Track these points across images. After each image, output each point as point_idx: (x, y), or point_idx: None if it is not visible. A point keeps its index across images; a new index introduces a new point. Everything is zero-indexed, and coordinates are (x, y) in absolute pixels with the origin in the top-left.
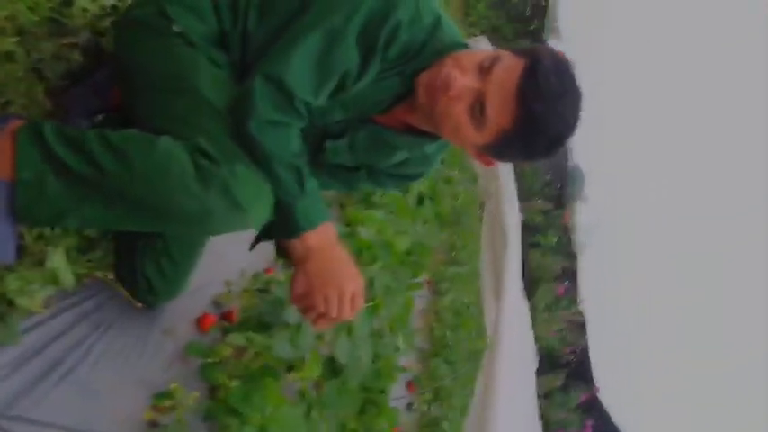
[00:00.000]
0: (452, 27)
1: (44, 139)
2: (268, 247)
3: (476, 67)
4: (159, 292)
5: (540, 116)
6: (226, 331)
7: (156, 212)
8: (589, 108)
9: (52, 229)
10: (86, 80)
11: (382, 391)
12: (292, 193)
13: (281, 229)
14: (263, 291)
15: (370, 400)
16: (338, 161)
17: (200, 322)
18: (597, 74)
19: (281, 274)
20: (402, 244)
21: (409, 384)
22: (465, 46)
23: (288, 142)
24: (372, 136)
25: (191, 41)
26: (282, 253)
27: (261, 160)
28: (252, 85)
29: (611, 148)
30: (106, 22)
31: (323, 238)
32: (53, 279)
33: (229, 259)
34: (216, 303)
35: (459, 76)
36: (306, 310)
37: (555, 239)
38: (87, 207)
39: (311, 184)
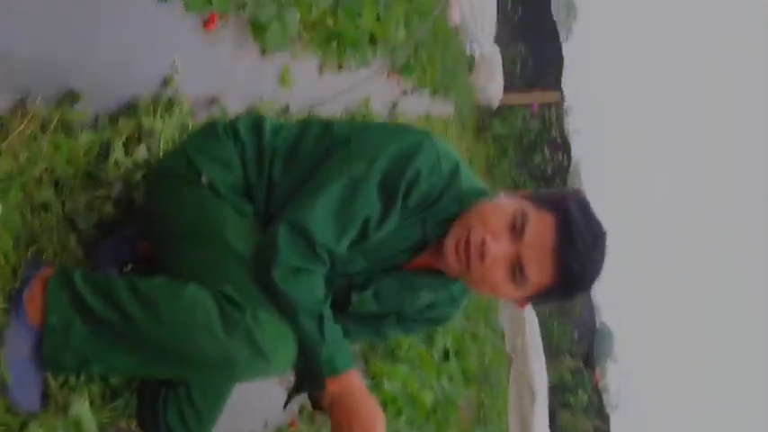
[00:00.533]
0: (469, 174)
1: (74, 285)
2: (294, 400)
3: (506, 229)
4: None
5: (579, 272)
6: None
7: (181, 359)
8: (616, 272)
9: (77, 377)
10: (117, 232)
11: None
12: (315, 341)
13: (308, 378)
14: None
15: None
16: (366, 310)
17: None
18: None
19: (303, 428)
20: (427, 399)
21: None
22: (484, 192)
23: (311, 290)
24: (397, 282)
25: (218, 191)
26: (316, 404)
27: (284, 308)
28: (276, 233)
29: (639, 310)
30: (138, 176)
31: (346, 385)
32: (76, 427)
33: (253, 411)
34: None
35: (493, 243)
36: None
37: (585, 399)
38: (112, 354)
39: (334, 331)
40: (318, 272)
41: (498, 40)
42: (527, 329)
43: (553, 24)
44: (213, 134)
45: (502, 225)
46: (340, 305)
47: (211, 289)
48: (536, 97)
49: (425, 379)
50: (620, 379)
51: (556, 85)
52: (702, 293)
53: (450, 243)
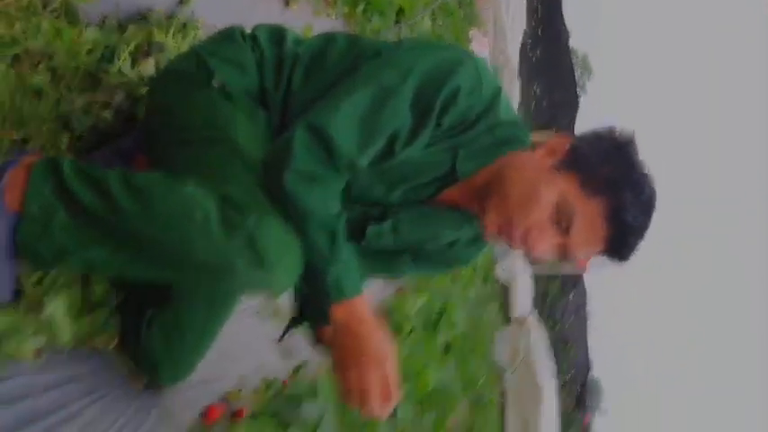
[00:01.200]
0: (509, 104)
1: (60, 173)
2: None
3: (551, 222)
4: (164, 371)
5: (629, 249)
6: (233, 430)
7: (172, 261)
8: (614, 335)
9: (55, 277)
10: (113, 142)
11: None
12: (323, 258)
13: (311, 306)
14: (278, 397)
15: None
16: (381, 245)
17: (205, 414)
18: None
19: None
20: (430, 379)
21: None
22: (520, 127)
23: (325, 200)
24: (418, 216)
25: (229, 95)
26: (318, 338)
27: (294, 217)
28: (292, 135)
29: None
30: (142, 90)
31: (353, 312)
32: (48, 329)
33: (247, 358)
34: (225, 400)
35: (538, 239)
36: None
37: None
38: (95, 248)
39: (346, 251)
40: (335, 182)
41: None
42: (531, 334)
43: (571, 69)
44: (230, 38)
45: (545, 218)
46: (353, 237)
47: (212, 190)
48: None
49: (428, 363)
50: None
51: (569, 128)
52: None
53: (490, 226)
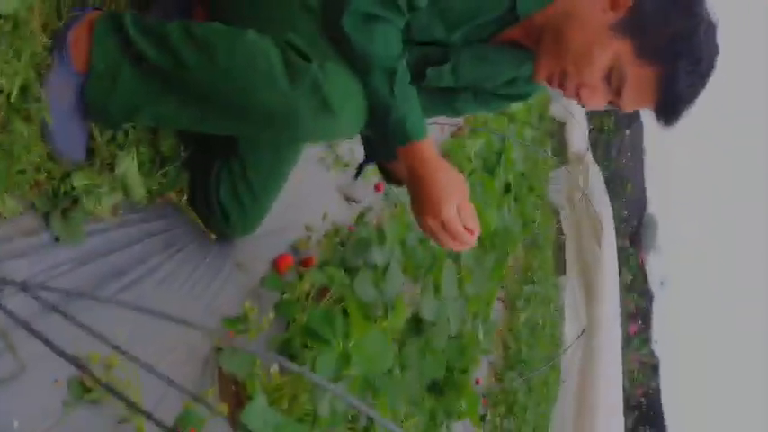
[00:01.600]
0: None
1: (124, 28)
2: (351, 211)
3: (602, 82)
4: (234, 222)
5: (679, 113)
6: (303, 276)
7: (238, 111)
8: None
9: (126, 136)
10: None
11: (464, 371)
12: (385, 100)
13: (378, 147)
14: (344, 244)
15: (451, 380)
16: (441, 85)
17: (276, 263)
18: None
19: (361, 231)
20: (491, 220)
21: (483, 399)
22: None
23: (385, 41)
24: (478, 56)
25: None
26: (390, 177)
27: (354, 60)
28: None
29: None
30: None
31: (416, 155)
32: (123, 186)
33: (312, 211)
34: (294, 249)
35: (588, 97)
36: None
37: (629, 278)
38: (163, 103)
39: (409, 92)
40: (395, 22)
41: None
42: (590, 171)
43: None
44: None
45: (597, 78)
46: (413, 78)
47: (274, 37)
48: None
49: (488, 204)
50: (663, 266)
51: None
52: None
53: (541, 72)
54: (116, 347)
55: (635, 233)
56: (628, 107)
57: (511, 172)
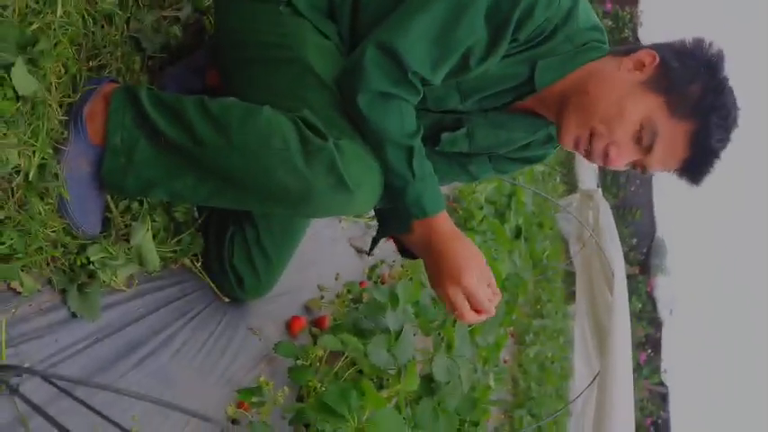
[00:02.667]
0: (587, 10)
1: (139, 102)
2: (362, 263)
3: (632, 140)
4: (248, 286)
5: (704, 176)
6: (316, 337)
7: (253, 188)
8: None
9: (141, 205)
10: (185, 59)
11: (476, 425)
12: (403, 177)
13: (393, 221)
14: (356, 302)
15: None
16: (455, 150)
17: (289, 325)
18: None
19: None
20: (501, 269)
21: None
22: (600, 30)
23: (401, 119)
24: (493, 123)
25: (298, 10)
26: (405, 251)
27: (370, 138)
28: (363, 54)
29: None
30: (209, 1)
31: (435, 228)
32: (138, 257)
33: (324, 266)
34: (307, 309)
35: (617, 156)
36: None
37: (639, 306)
38: (178, 179)
39: (425, 167)
40: (410, 101)
41: None
42: (600, 209)
43: None
44: None
45: (628, 136)
46: (427, 143)
47: (289, 113)
48: None
49: (498, 252)
50: (672, 290)
51: None
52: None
53: (568, 136)
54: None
55: (644, 261)
56: (655, 165)
57: (522, 214)
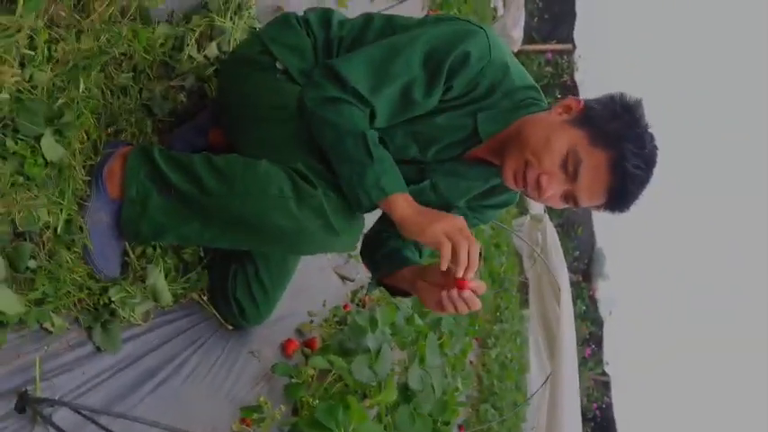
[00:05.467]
0: (521, 72)
1: (153, 159)
2: (345, 288)
3: (559, 169)
4: (249, 315)
5: (627, 201)
6: (308, 357)
7: (252, 230)
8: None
9: (154, 248)
10: (190, 120)
11: (447, 423)
12: (361, 162)
13: (379, 264)
14: (341, 323)
15: (437, 431)
16: (425, 202)
17: (284, 347)
18: None
19: (355, 311)
20: None
21: (460, 428)
22: (535, 89)
23: (351, 117)
24: (450, 173)
25: (292, 77)
26: (395, 291)
27: (325, 135)
28: (312, 74)
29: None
30: (209, 71)
31: (400, 201)
32: (153, 295)
33: (313, 293)
34: (299, 332)
35: (548, 183)
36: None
37: (583, 308)
38: (187, 224)
39: (384, 153)
40: (355, 107)
41: None
42: (547, 231)
43: None
44: (287, 23)
45: (556, 165)
46: None
47: (284, 166)
48: (550, 48)
49: None
50: (611, 293)
51: (568, 38)
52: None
53: (507, 172)
54: None
55: (586, 269)
56: (584, 194)
57: (480, 239)
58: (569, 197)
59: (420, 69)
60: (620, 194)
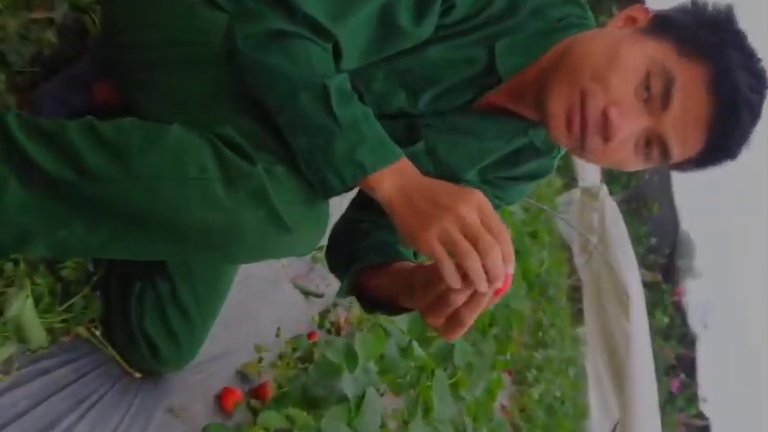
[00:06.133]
0: None
1: (7, 131)
2: (310, 308)
3: (637, 97)
4: (164, 354)
5: (738, 144)
6: (256, 412)
7: (162, 230)
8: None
9: (16, 265)
10: (63, 70)
11: None
12: (324, 127)
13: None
14: (305, 360)
15: None
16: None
17: (220, 399)
18: None
19: (325, 339)
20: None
21: None
22: (577, 3)
23: (307, 58)
24: (453, 130)
25: (215, 1)
26: (373, 307)
27: (267, 90)
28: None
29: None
30: None
31: (387, 190)
32: (17, 334)
33: (261, 318)
34: (242, 376)
35: (621, 119)
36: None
37: (665, 321)
38: (63, 225)
39: (355, 110)
40: (314, 41)
41: None
42: (607, 211)
43: None
44: None
45: (631, 90)
46: None
47: (204, 131)
48: None
49: None
50: (705, 297)
51: None
52: None
53: (556, 108)
54: None
55: (667, 264)
56: (677, 132)
57: (509, 226)
58: (653, 141)
59: None
60: (729, 126)
